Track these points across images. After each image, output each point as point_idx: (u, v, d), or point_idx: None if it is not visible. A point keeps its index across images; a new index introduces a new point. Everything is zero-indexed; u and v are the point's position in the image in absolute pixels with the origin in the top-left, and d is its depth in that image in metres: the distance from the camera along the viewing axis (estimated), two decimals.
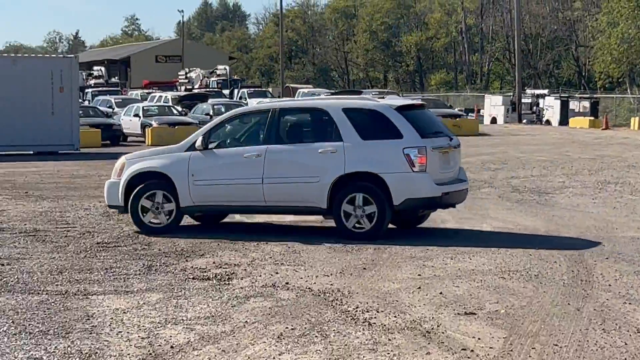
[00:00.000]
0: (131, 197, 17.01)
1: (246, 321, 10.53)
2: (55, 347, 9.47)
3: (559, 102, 68.03)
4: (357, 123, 16.56)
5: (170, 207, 16.99)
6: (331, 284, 12.48)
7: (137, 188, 17.05)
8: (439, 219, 18.47)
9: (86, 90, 72.52)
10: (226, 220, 18.55)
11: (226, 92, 73.02)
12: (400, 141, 16.21)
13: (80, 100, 51.09)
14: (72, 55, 45.30)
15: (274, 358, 9.12)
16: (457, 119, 55.59)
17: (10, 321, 10.51)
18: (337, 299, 11.59)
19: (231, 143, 17.36)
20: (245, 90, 73.73)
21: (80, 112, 43.34)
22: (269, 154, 16.64)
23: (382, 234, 16.10)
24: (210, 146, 16.96)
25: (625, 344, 9.50)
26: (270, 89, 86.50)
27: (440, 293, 11.90)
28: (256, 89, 79.49)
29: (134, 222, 17.17)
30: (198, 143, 16.87)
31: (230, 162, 16.93)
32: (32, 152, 38.86)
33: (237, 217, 19.02)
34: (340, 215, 16.20)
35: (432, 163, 16.26)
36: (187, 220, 17.90)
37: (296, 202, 16.72)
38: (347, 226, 16.19)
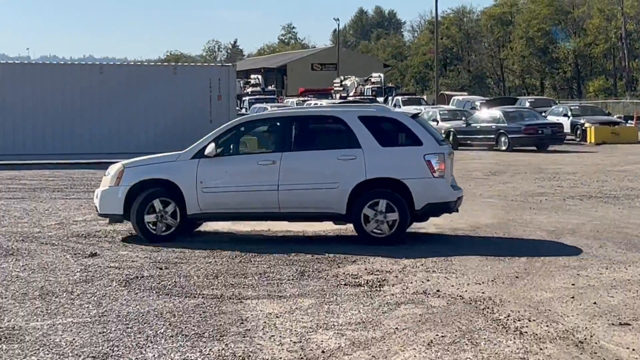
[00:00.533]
0: (137, 205, 16.98)
1: (397, 327, 10.57)
2: (210, 349, 9.67)
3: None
4: (374, 130, 16.88)
5: (174, 215, 17.08)
6: (482, 292, 12.42)
7: (144, 195, 17.00)
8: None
9: (243, 98, 73.55)
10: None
11: (380, 99, 73.20)
12: (420, 148, 16.71)
13: (237, 108, 51.68)
14: (230, 64, 45.79)
15: None
16: (616, 127, 53.81)
17: (168, 323, 10.76)
18: (488, 307, 11.54)
19: (243, 150, 17.85)
20: (399, 97, 73.65)
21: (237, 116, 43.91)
22: (284, 160, 16.81)
23: (402, 238, 16.51)
24: (220, 153, 17.06)
25: None
26: (424, 97, 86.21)
27: (594, 303, 11.74)
28: (410, 97, 79.41)
29: (139, 230, 17.11)
30: (209, 150, 16.94)
31: (243, 169, 17.04)
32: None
33: (220, 226, 19.04)
34: (361, 220, 16.46)
35: (448, 169, 16.95)
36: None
37: (313, 209, 16.85)
38: (366, 231, 16.55)
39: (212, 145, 16.99)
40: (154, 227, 17.06)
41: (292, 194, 16.72)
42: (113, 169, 17.55)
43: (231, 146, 17.45)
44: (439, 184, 16.69)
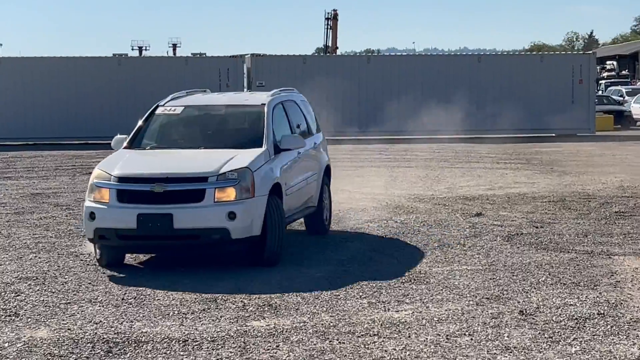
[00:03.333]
0: None
1: None
2: (586, 296, 9.59)
3: None
4: None
5: None
6: None
7: None
8: None
9: (600, 82, 71.45)
10: None
11: None
12: None
13: (595, 91, 50.43)
14: (590, 52, 44.98)
15: None
16: None
17: (547, 273, 10.77)
18: None
19: None
20: None
21: (596, 100, 42.95)
22: None
23: None
24: None
25: None
26: None
27: None
28: None
29: None
30: None
31: None
32: (553, 135, 39.02)
33: None
34: None
35: None
36: None
37: None
38: None
39: None
40: None
41: None
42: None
43: None
44: None
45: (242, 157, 11.29)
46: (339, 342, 7.87)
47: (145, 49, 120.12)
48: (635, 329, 8.25)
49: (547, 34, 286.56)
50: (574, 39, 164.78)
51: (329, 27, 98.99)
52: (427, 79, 39.17)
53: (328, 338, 8.00)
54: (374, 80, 39.28)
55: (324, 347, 7.72)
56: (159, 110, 12.79)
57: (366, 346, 7.74)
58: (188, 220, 10.62)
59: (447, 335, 8.05)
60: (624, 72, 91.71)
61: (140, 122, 12.75)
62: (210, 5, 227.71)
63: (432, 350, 7.59)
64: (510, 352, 7.55)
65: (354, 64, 42.09)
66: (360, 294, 9.70)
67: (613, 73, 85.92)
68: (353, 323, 8.48)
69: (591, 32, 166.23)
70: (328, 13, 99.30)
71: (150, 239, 10.83)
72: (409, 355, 7.46)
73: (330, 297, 9.55)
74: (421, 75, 39.37)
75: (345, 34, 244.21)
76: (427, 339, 7.95)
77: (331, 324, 8.45)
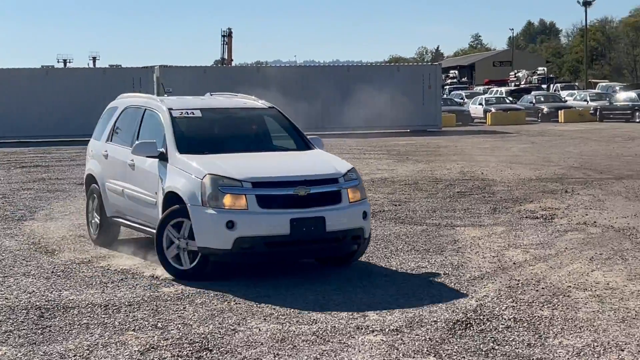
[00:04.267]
0: None
1: (566, 247, 10.40)
2: (435, 260, 9.78)
3: None
4: None
5: None
6: (628, 223, 12.06)
7: None
8: None
9: (445, 87, 72.74)
10: None
11: (544, 86, 70.90)
12: None
13: (441, 94, 51.25)
14: (437, 63, 45.81)
15: (587, 274, 9.00)
16: None
17: (404, 242, 10.93)
18: (633, 234, 11.21)
19: None
20: (558, 84, 71.27)
21: (442, 102, 43.70)
22: None
23: None
24: None
25: None
26: (577, 84, 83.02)
27: None
28: (566, 84, 76.57)
29: None
30: None
31: None
32: (408, 130, 39.57)
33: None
34: None
35: None
36: None
37: None
38: None
39: None
40: None
41: None
42: None
43: None
44: None
45: (327, 158, 9.70)
46: (236, 303, 7.85)
47: (69, 62, 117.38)
48: (473, 285, 8.46)
49: (402, 48, 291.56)
50: (424, 53, 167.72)
51: (224, 42, 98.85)
52: (306, 85, 39.21)
53: (227, 300, 7.97)
54: (263, 86, 39.13)
55: (223, 307, 7.69)
56: (176, 114, 9.80)
57: (258, 305, 7.75)
58: (337, 222, 8.73)
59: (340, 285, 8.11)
60: (463, 79, 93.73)
61: (168, 128, 9.57)
62: (125, 21, 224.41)
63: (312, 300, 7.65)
64: (375, 308, 7.66)
65: (245, 73, 42.04)
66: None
67: (455, 80, 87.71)
68: (248, 286, 8.47)
69: (437, 47, 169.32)
70: (224, 31, 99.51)
71: (302, 244, 8.71)
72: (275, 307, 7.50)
73: (224, 267, 9.51)
74: (301, 82, 39.39)
75: (238, 48, 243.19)
76: (309, 297, 8.02)
77: (228, 288, 8.42)
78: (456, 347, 6.41)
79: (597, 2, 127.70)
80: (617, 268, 9.20)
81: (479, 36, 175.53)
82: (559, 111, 47.17)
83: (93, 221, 11.10)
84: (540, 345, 6.45)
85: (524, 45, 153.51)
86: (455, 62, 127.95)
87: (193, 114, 9.97)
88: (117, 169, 10.50)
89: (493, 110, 47.54)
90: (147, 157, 9.46)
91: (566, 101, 52.13)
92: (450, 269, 9.28)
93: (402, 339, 6.63)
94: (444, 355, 6.24)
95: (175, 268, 8.80)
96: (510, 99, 54.01)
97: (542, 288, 8.30)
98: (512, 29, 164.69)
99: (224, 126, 10.40)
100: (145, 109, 10.38)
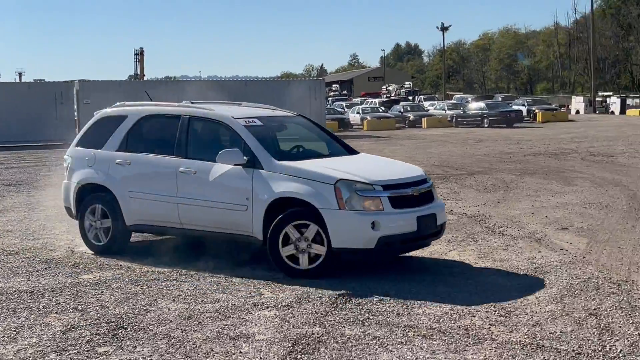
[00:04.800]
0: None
1: None
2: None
3: (619, 100, 64.65)
4: None
5: None
6: (478, 211, 12.42)
7: None
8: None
9: (328, 99, 73.28)
10: None
11: (410, 98, 72.36)
12: None
13: (325, 105, 51.57)
14: (321, 78, 46.16)
15: (445, 253, 9.19)
16: (554, 111, 53.78)
17: None
18: (482, 220, 11.56)
19: None
20: (421, 96, 72.90)
21: (326, 111, 44.03)
22: None
23: None
24: None
25: None
26: (437, 95, 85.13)
27: (546, 217, 11.70)
28: (428, 96, 78.39)
29: None
30: None
31: None
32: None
33: None
34: None
35: None
36: None
37: None
38: None
39: None
40: None
41: None
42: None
43: None
44: None
45: (393, 161, 9.47)
46: (148, 287, 7.70)
47: None
48: (355, 267, 8.51)
49: (292, 65, 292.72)
50: (311, 69, 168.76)
51: (137, 60, 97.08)
52: (209, 97, 38.57)
53: (139, 284, 7.81)
54: (173, 99, 38.50)
55: (136, 291, 7.53)
56: (243, 123, 8.69)
57: (168, 288, 7.62)
58: (442, 216, 8.48)
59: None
60: (344, 92, 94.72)
61: (247, 136, 8.45)
62: (49, 39, 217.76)
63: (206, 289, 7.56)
64: (269, 288, 7.64)
65: (156, 87, 41.22)
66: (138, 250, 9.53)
67: (337, 93, 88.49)
68: (159, 271, 8.32)
69: (322, 65, 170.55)
70: (137, 50, 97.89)
71: (422, 239, 8.33)
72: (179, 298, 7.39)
73: (138, 250, 9.31)
74: (205, 95, 38.82)
75: (150, 64, 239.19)
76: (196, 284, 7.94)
77: (142, 274, 8.25)
78: (338, 318, 6.47)
79: (452, 27, 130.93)
80: (469, 248, 9.46)
81: (357, 55, 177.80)
82: (423, 119, 48.31)
83: (99, 229, 9.36)
84: (407, 314, 6.58)
85: (394, 63, 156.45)
86: (337, 77, 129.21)
87: (255, 122, 8.85)
88: (151, 177, 8.99)
89: (369, 118, 48.24)
90: (235, 164, 8.26)
91: (428, 110, 53.47)
92: None
93: (292, 313, 6.64)
94: (327, 325, 6.28)
95: (291, 267, 7.92)
96: (383, 108, 54.93)
97: (412, 266, 8.46)
98: (384, 50, 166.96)
99: (284, 134, 9.38)
100: (189, 117, 8.94)
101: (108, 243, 9.28)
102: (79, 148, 9.79)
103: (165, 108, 9.45)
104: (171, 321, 6.44)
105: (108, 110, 9.87)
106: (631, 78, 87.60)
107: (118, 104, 9.96)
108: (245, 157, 8.25)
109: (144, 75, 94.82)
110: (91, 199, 9.43)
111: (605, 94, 72.01)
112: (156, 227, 9.05)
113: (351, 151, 9.38)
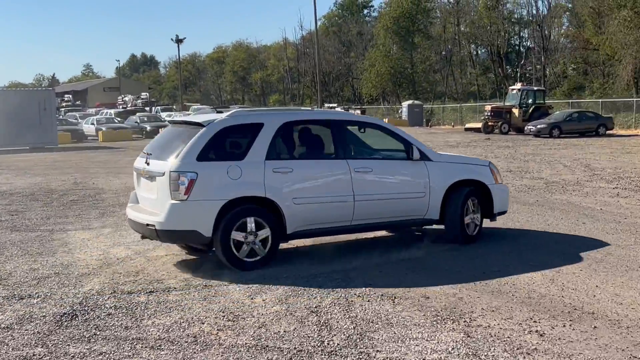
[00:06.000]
0: None
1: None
2: (47, 261, 9.25)
3: (342, 110, 69.39)
4: None
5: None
6: None
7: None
8: None
9: (61, 109, 69.71)
10: None
11: (147, 109, 71.21)
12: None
13: (57, 115, 49.06)
14: (51, 88, 43.84)
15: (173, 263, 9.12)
16: None
17: (19, 248, 10.22)
18: None
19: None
20: (159, 107, 72.10)
21: (57, 122, 41.82)
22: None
23: None
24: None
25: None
26: (174, 106, 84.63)
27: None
28: (165, 107, 77.72)
29: None
30: None
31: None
32: (28, 148, 37.33)
33: None
34: None
35: None
36: None
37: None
38: None
39: None
40: None
41: None
42: None
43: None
44: None
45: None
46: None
47: None
48: (80, 281, 8.14)
49: (21, 74, 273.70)
50: (42, 79, 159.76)
51: None
52: None
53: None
54: None
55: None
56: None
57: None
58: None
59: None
60: (77, 102, 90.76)
61: (400, 134, 9.44)
62: None
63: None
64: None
65: None
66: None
67: (70, 103, 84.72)
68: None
69: (54, 74, 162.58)
70: None
71: None
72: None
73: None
74: None
75: None
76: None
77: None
78: (62, 337, 6.14)
79: (187, 40, 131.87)
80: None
81: (91, 65, 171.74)
82: (160, 129, 47.83)
83: (254, 243, 8.33)
84: (136, 327, 6.43)
85: (130, 74, 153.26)
86: (70, 87, 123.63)
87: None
88: (321, 181, 8.73)
89: (104, 129, 46.84)
90: (414, 160, 9.36)
91: (165, 120, 53.01)
92: (61, 268, 8.85)
93: (12, 335, 6.18)
94: (50, 344, 5.94)
95: (468, 235, 9.71)
96: (119, 119, 53.57)
97: (140, 278, 8.29)
98: (119, 60, 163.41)
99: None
100: (342, 121, 9.23)
101: (268, 254, 8.47)
102: (206, 162, 8.23)
103: (309, 115, 9.34)
104: None
105: (229, 119, 8.61)
106: (352, 90, 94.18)
107: (234, 112, 8.86)
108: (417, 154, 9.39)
109: None
110: (238, 213, 8.25)
111: (331, 105, 76.52)
112: (319, 229, 8.78)
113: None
